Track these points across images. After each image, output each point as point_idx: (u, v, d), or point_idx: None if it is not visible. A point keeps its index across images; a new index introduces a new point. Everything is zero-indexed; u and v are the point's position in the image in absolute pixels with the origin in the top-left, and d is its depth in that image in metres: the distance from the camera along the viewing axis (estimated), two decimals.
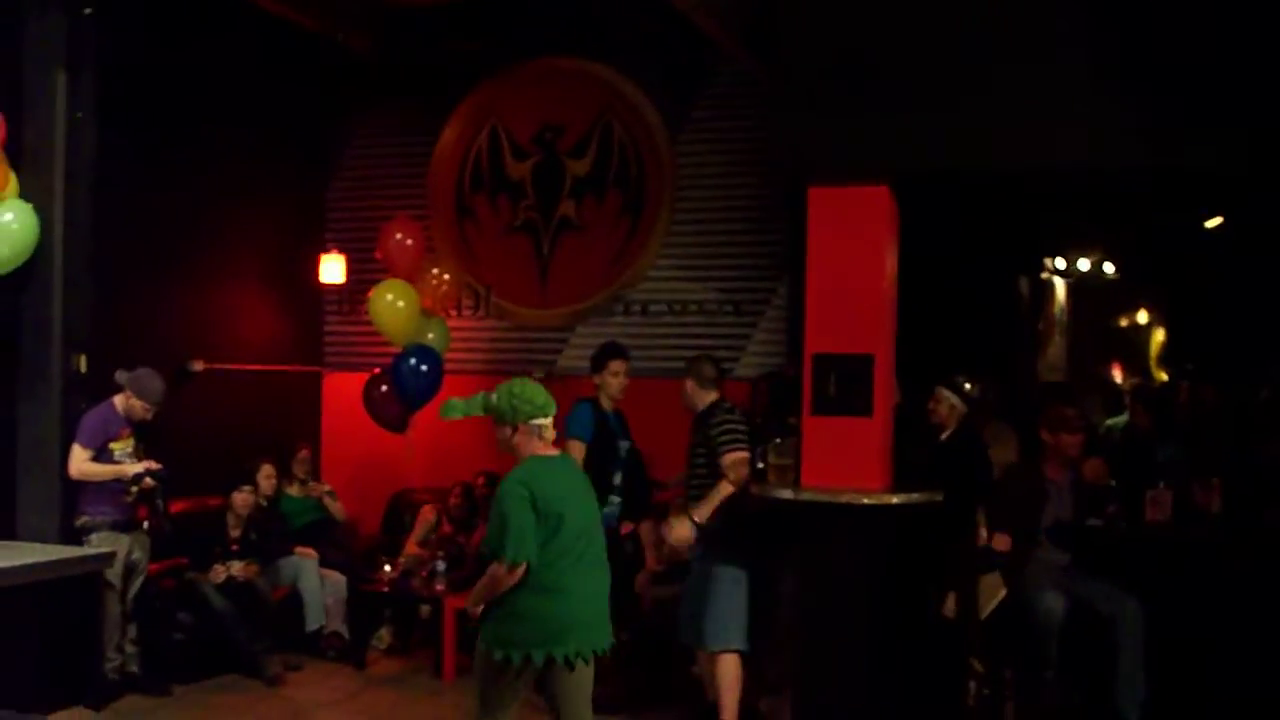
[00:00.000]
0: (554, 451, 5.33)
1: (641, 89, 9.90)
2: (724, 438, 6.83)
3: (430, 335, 9.57)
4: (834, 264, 6.63)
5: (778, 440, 6.85)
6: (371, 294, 9.50)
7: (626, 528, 7.79)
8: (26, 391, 7.66)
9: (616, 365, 7.60)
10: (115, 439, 7.52)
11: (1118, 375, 13.89)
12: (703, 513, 6.78)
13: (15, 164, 7.37)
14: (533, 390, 5.23)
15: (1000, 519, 6.88)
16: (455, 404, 5.31)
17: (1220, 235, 9.39)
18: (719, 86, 9.63)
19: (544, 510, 5.05)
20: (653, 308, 9.87)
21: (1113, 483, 7.14)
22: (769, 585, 6.93)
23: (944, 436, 7.12)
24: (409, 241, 9.56)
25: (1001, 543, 6.83)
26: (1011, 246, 10.87)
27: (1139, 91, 6.10)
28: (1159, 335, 14.75)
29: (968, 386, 7.12)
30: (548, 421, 5.22)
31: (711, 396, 7.05)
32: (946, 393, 7.12)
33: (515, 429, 5.17)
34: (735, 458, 6.76)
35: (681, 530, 6.84)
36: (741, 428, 6.91)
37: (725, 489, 6.75)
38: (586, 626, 5.18)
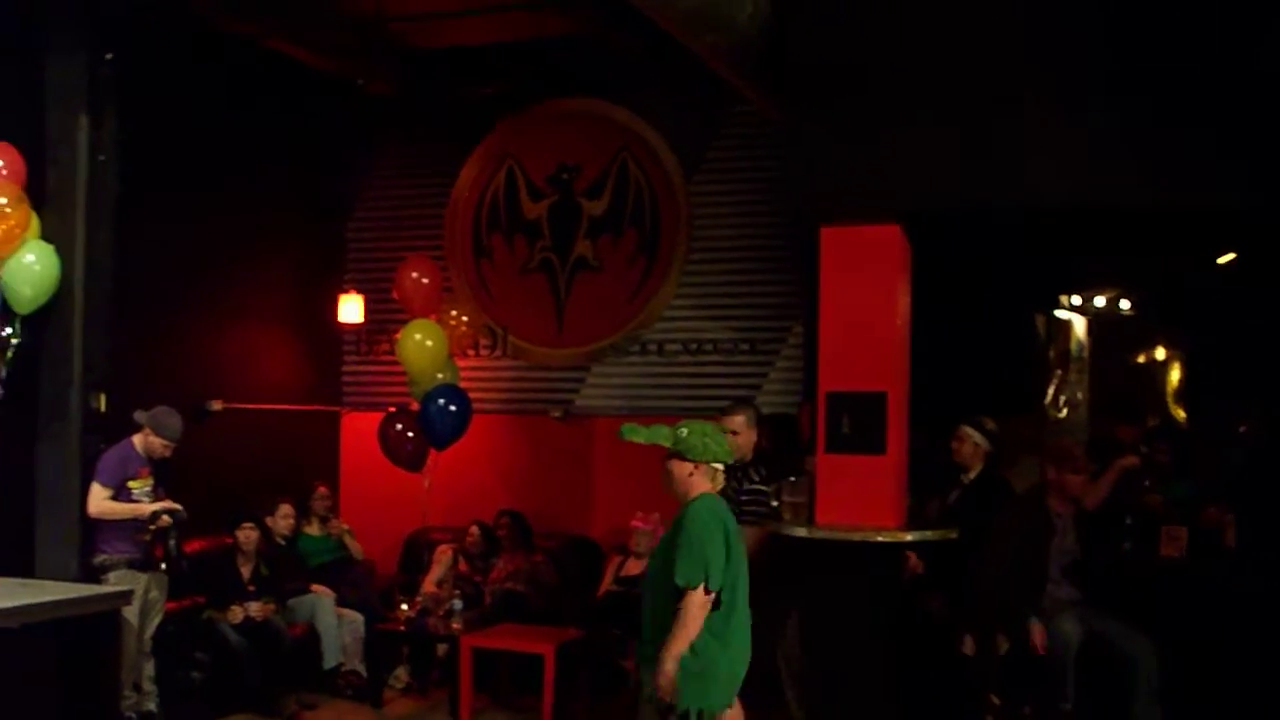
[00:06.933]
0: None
1: (656, 129, 9.98)
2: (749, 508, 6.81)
3: (439, 376, 9.46)
4: (846, 303, 6.67)
5: (792, 479, 6.85)
6: (400, 334, 9.48)
7: None
8: (46, 430, 7.68)
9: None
10: (134, 478, 7.54)
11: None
12: None
13: (38, 205, 7.45)
14: (719, 436, 5.33)
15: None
16: (638, 429, 5.32)
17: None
18: (734, 126, 9.68)
19: (730, 545, 5.12)
20: (669, 347, 9.90)
21: (1128, 520, 7.10)
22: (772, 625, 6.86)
23: (970, 476, 7.11)
24: (425, 281, 9.57)
25: None
26: (1027, 284, 10.85)
27: (1151, 129, 6.13)
28: (1175, 372, 14.69)
29: (990, 425, 7.12)
30: (720, 466, 5.30)
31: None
32: (970, 432, 7.11)
33: (697, 466, 5.22)
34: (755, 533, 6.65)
35: None
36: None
37: None
38: (737, 680, 5.24)
